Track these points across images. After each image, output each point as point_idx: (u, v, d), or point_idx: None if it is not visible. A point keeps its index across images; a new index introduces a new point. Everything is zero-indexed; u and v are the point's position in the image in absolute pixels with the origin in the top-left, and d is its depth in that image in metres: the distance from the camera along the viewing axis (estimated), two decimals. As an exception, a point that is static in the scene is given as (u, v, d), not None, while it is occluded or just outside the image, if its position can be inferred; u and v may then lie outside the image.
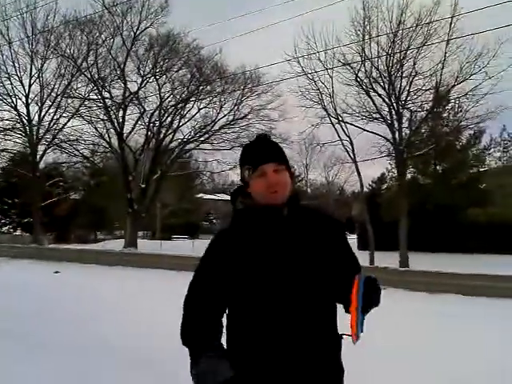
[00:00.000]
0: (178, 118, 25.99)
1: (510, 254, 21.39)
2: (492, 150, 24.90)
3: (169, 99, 25.51)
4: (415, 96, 18.29)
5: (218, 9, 44.23)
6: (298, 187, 43.44)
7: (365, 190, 22.72)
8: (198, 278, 1.64)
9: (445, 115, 21.18)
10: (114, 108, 24.66)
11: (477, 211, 25.29)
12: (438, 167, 25.37)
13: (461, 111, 19.82)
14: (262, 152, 1.65)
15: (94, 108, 24.95)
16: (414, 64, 17.48)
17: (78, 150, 26.36)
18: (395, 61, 17.62)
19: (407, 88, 17.96)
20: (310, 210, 1.74)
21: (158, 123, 25.90)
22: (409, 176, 23.27)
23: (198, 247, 24.16)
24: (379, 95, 18.41)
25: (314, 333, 1.56)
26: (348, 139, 18.86)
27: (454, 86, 17.18)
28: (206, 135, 26.61)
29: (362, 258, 17.78)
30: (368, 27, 17.55)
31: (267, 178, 1.60)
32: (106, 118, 24.72)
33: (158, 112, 25.60)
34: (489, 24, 15.77)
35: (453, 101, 19.10)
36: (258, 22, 28.17)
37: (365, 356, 4.78)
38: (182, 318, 1.63)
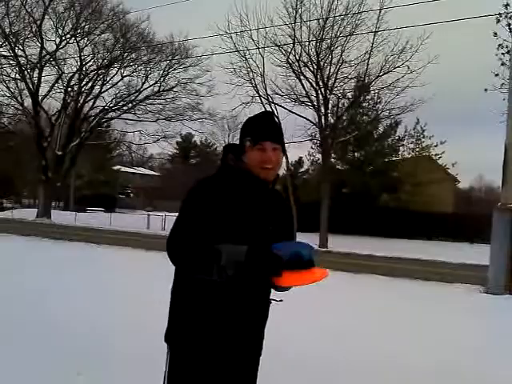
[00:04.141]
0: (99, 83, 24.70)
1: (416, 239, 23.07)
2: (406, 140, 26.46)
3: (90, 63, 24.13)
4: (341, 83, 18.88)
5: (146, -28, 41.79)
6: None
7: (283, 172, 23.18)
8: (185, 219, 1.69)
9: (365, 105, 22.16)
10: (28, 67, 22.78)
11: (388, 197, 26.98)
12: (356, 154, 26.52)
13: (380, 102, 20.85)
14: (266, 129, 1.80)
15: (6, 65, 22.87)
16: (342, 52, 18.00)
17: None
18: (325, 47, 18.00)
19: (334, 75, 18.44)
20: (278, 193, 1.94)
21: (77, 88, 24.41)
22: (328, 161, 24.05)
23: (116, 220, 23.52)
24: (307, 79, 18.77)
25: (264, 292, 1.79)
26: (277, 120, 18.96)
27: (379, 76, 17.92)
28: (130, 105, 25.57)
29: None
30: (300, 10, 17.74)
31: (266, 155, 1.74)
32: (19, 78, 22.81)
33: (77, 76, 24.11)
34: (414, 20, 16.59)
35: (372, 92, 19.96)
36: (190, -9, 27.13)
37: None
38: (176, 254, 1.64)
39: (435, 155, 26.85)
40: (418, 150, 26.58)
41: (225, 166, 1.82)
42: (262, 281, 1.63)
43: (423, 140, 26.33)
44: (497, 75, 13.99)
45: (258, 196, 1.77)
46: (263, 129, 1.79)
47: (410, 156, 26.69)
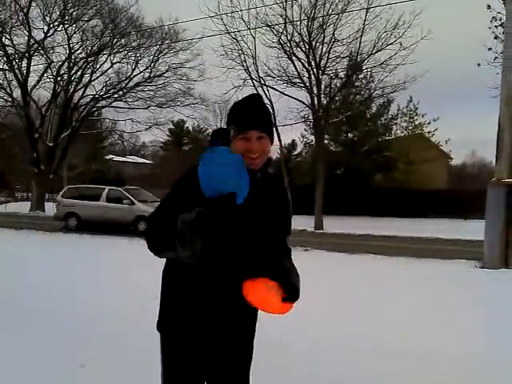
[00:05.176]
0: (89, 72, 24.43)
1: (411, 217, 23.25)
2: (399, 119, 26.53)
3: (79, 51, 23.85)
4: (334, 63, 18.82)
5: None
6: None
7: (276, 155, 23.08)
8: (165, 202, 1.69)
9: (357, 84, 22.12)
10: (16, 57, 22.46)
11: (382, 177, 27.12)
12: (349, 134, 26.54)
13: (372, 81, 20.84)
14: (250, 117, 1.68)
15: (-7, 56, 22.54)
16: (334, 30, 17.89)
17: (-28, 103, 23.87)
18: (316, 26, 17.89)
19: (327, 54, 18.36)
20: (272, 177, 1.86)
21: (66, 76, 24.12)
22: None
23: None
24: (299, 60, 18.65)
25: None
26: (269, 103, 18.93)
27: (371, 54, 17.83)
28: (120, 92, 25.35)
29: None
30: (291, -11, 17.52)
31: (250, 144, 1.65)
32: (7, 68, 22.51)
33: (66, 64, 23.81)
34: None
35: (365, 70, 19.89)
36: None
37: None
38: (147, 236, 1.63)
39: (428, 133, 27.01)
40: (410, 128, 26.74)
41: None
42: (222, 226, 1.52)
43: (416, 118, 26.49)
44: (490, 49, 14.09)
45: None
46: (247, 117, 1.67)
47: (403, 135, 26.82)
